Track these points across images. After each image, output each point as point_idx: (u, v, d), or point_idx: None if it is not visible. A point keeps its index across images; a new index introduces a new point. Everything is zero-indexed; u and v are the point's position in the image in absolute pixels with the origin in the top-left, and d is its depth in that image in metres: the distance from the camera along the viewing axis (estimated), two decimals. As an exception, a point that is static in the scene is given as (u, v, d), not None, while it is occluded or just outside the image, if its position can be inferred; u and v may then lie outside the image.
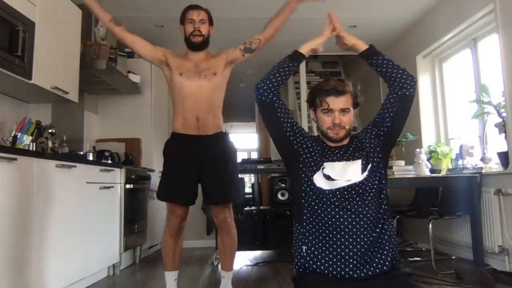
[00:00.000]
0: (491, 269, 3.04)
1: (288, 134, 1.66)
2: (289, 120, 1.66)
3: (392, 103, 1.63)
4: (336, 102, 1.58)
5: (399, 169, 3.44)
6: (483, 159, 3.52)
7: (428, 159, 3.67)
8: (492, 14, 3.39)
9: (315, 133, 5.50)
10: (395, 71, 1.63)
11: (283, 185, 4.34)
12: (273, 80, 1.65)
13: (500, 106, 3.24)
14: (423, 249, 4.26)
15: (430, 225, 3.43)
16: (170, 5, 4.03)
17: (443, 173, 3.68)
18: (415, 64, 4.61)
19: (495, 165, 3.45)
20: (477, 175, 3.39)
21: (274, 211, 4.35)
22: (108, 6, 4.01)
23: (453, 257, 3.79)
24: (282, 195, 4.33)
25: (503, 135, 3.21)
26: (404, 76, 1.62)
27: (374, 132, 1.66)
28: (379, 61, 1.66)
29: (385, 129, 1.64)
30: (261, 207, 4.24)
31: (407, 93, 1.62)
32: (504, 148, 3.23)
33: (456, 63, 4.32)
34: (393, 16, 4.44)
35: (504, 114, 3.19)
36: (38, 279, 2.30)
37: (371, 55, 1.68)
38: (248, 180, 7.55)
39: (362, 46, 1.71)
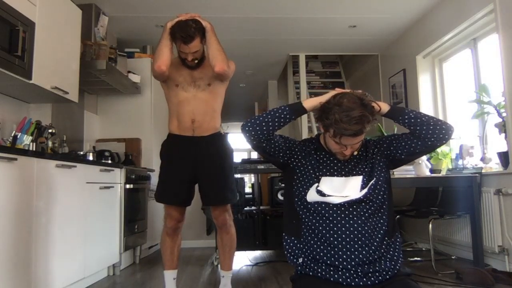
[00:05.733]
0: (491, 269, 3.04)
1: (282, 161, 1.64)
2: (282, 151, 1.61)
3: (418, 146, 1.55)
4: (352, 141, 1.47)
5: (399, 169, 3.43)
6: (483, 159, 3.52)
7: (428, 159, 3.67)
8: (492, 14, 3.39)
9: (315, 132, 5.49)
10: (424, 127, 1.51)
11: (283, 185, 4.33)
12: (266, 127, 1.54)
13: (500, 106, 3.24)
14: (423, 249, 4.27)
15: (430, 225, 3.43)
16: (170, 5, 4.04)
17: (443, 173, 3.68)
18: (415, 64, 4.61)
19: (495, 165, 3.45)
20: (477, 175, 3.39)
21: (274, 211, 4.35)
22: (108, 6, 4.04)
23: (453, 257, 3.79)
24: (282, 195, 4.33)
25: (503, 135, 3.21)
26: (437, 131, 1.51)
27: (386, 152, 1.61)
28: (406, 121, 1.54)
29: (396, 157, 1.60)
30: (261, 207, 4.24)
31: (438, 144, 1.55)
32: (504, 148, 3.23)
33: (456, 63, 4.32)
34: (393, 16, 4.43)
35: (504, 114, 3.19)
36: (38, 279, 2.30)
37: (394, 116, 1.58)
38: (248, 180, 7.54)
39: (384, 108, 1.57)
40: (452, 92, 4.38)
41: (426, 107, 4.52)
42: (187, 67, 2.45)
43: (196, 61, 2.42)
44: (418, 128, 1.53)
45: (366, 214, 1.51)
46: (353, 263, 1.45)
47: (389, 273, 1.47)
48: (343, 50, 5.80)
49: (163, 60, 2.35)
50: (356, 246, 1.47)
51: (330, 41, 5.23)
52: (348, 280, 1.44)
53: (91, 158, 3.64)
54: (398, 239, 1.57)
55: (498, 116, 3.27)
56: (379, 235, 1.50)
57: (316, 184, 1.55)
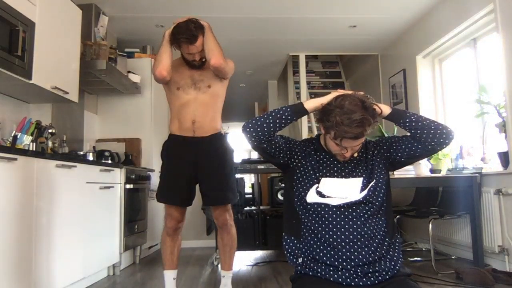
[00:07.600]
0: (491, 269, 3.04)
1: (282, 161, 1.63)
2: (282, 152, 1.61)
3: (418, 149, 1.56)
4: (352, 143, 1.47)
5: (399, 169, 3.43)
6: (483, 159, 3.52)
7: (428, 159, 3.67)
8: (492, 14, 3.39)
9: (315, 132, 5.49)
10: (425, 131, 1.52)
11: (283, 185, 4.33)
12: (267, 128, 1.53)
13: (500, 106, 3.24)
14: (423, 249, 4.27)
15: (430, 225, 3.42)
16: (170, 5, 4.04)
17: (443, 173, 3.68)
18: (415, 64, 4.61)
19: (495, 165, 3.45)
20: (477, 175, 3.39)
21: (274, 211, 4.35)
22: (108, 6, 4.04)
23: (453, 257, 3.79)
24: (282, 195, 4.33)
25: (503, 135, 3.21)
26: (437, 136, 1.51)
27: (386, 155, 1.61)
28: (407, 124, 1.55)
29: (396, 160, 1.61)
30: (261, 207, 4.24)
31: (438, 148, 1.55)
32: (504, 148, 3.23)
33: (456, 63, 4.32)
34: (393, 16, 4.43)
35: (504, 114, 3.19)
36: (38, 279, 2.30)
37: (395, 119, 1.57)
38: (248, 180, 7.53)
39: (386, 110, 1.56)
40: (452, 92, 4.38)
41: (426, 107, 4.52)
42: (190, 66, 2.48)
43: (203, 59, 2.45)
44: (418, 131, 1.53)
45: (366, 216, 1.51)
46: (353, 263, 1.45)
47: (389, 273, 1.48)
48: (343, 50, 5.80)
49: (163, 66, 2.41)
50: (355, 247, 1.47)
51: (330, 41, 5.23)
52: (348, 280, 1.45)
53: (91, 158, 3.64)
54: (397, 240, 1.57)
55: (498, 116, 3.27)
56: (379, 236, 1.51)
57: (316, 185, 1.55)
